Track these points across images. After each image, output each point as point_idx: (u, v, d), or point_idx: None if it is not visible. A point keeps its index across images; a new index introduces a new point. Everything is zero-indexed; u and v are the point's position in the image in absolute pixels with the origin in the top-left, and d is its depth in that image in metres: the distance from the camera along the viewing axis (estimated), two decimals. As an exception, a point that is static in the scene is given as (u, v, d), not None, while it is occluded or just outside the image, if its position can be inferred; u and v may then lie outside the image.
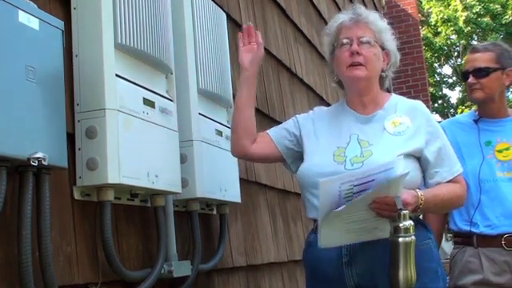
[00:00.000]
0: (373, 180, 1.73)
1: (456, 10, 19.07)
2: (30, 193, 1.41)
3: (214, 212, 2.42)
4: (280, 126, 2.16)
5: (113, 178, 1.65)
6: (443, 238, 5.63)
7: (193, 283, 2.10)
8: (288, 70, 3.74)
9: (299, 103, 3.83)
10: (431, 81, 19.70)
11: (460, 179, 2.02)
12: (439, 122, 2.22)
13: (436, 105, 20.34)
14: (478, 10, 18.85)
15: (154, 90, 1.92)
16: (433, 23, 19.49)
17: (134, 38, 1.79)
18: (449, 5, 19.30)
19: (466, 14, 18.82)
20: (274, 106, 3.36)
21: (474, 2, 18.90)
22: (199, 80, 2.21)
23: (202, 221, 2.26)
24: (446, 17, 19.02)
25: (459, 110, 19.24)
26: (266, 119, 3.19)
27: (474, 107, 2.81)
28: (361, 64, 1.97)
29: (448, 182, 1.98)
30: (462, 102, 19.86)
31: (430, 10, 19.72)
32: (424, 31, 18.88)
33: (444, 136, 2.03)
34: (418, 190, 1.85)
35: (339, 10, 5.27)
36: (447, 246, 4.72)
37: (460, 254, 2.65)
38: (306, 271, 2.08)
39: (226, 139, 2.37)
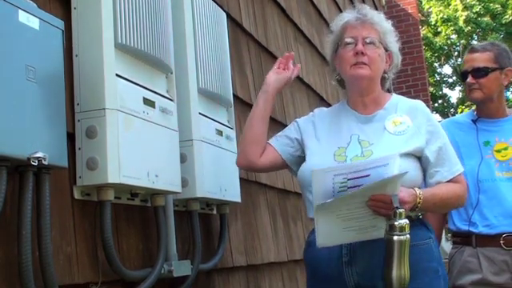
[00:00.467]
0: (368, 175, 1.73)
1: (456, 10, 19.07)
2: (30, 192, 1.41)
3: (214, 212, 2.42)
4: (281, 133, 2.15)
5: (113, 177, 1.65)
6: (443, 238, 5.64)
7: (193, 283, 2.10)
8: (288, 70, 3.73)
9: (299, 103, 3.83)
10: (431, 80, 19.71)
11: (460, 179, 2.01)
12: (439, 121, 2.22)
13: (436, 104, 20.35)
14: (478, 9, 18.85)
15: (154, 90, 1.92)
16: (433, 23, 19.49)
17: (134, 38, 1.79)
18: (449, 4, 19.30)
19: (466, 13, 18.82)
20: (275, 105, 3.36)
21: (474, 2, 18.90)
22: (199, 80, 2.21)
23: (202, 220, 2.26)
24: (445, 16, 19.02)
25: (459, 110, 19.24)
26: (266, 119, 3.19)
27: (474, 107, 2.81)
28: (365, 64, 1.98)
29: (448, 181, 1.98)
30: (462, 101, 19.85)
31: (429, 10, 19.72)
32: (424, 31, 18.88)
33: (445, 135, 2.03)
34: (416, 189, 1.85)
35: (339, 9, 5.27)
36: (447, 246, 4.73)
37: (459, 254, 2.65)
38: (306, 271, 2.08)
39: (227, 139, 2.37)
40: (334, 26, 2.11)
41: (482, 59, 2.66)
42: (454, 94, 28.50)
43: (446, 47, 20.07)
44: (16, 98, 1.37)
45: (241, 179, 2.53)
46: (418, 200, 1.83)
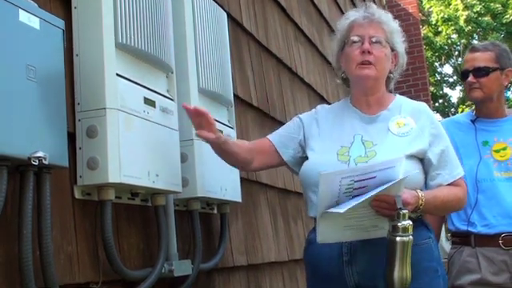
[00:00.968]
0: (374, 177, 1.73)
1: (456, 10, 19.07)
2: (31, 192, 1.41)
3: (215, 211, 2.42)
4: (283, 131, 2.13)
5: (113, 177, 1.65)
6: (444, 238, 5.64)
7: (193, 282, 2.10)
8: (289, 70, 3.74)
9: (300, 102, 3.83)
10: (432, 80, 19.69)
11: (461, 182, 2.02)
12: (439, 121, 2.22)
13: (437, 104, 20.34)
14: (478, 9, 18.85)
15: (155, 90, 1.92)
16: (433, 22, 19.49)
17: (135, 38, 1.79)
18: (449, 4, 19.29)
19: (466, 13, 18.81)
20: (275, 105, 3.36)
21: (474, 2, 18.89)
22: (200, 79, 2.20)
23: (202, 220, 2.26)
24: (446, 16, 19.01)
25: (460, 110, 19.23)
26: (267, 118, 3.20)
27: (474, 107, 2.81)
28: (371, 63, 1.97)
29: (449, 184, 1.98)
30: (462, 101, 19.85)
31: (430, 10, 19.71)
32: (424, 30, 18.87)
33: (447, 138, 2.03)
34: (418, 191, 1.85)
35: (340, 9, 5.27)
36: (447, 246, 4.72)
37: (458, 254, 2.66)
38: (306, 269, 2.08)
39: (227, 138, 2.37)
40: (340, 24, 2.10)
41: (483, 59, 2.66)
42: (455, 94, 28.51)
43: (446, 47, 20.06)
44: (16, 98, 1.37)
45: (241, 179, 2.53)
46: (421, 202, 1.83)
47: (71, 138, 1.65)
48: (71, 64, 1.70)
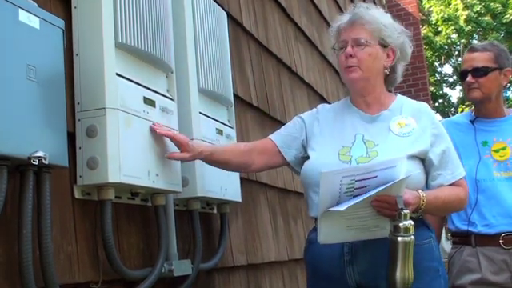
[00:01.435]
0: (375, 176, 1.73)
1: (456, 9, 19.07)
2: (31, 192, 1.41)
3: (215, 211, 2.42)
4: (285, 131, 2.13)
5: (113, 177, 1.65)
6: (444, 237, 5.64)
7: (193, 282, 2.10)
8: (288, 69, 3.74)
9: (300, 102, 3.83)
10: (432, 80, 19.70)
11: (462, 183, 2.01)
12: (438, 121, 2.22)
13: (436, 104, 20.34)
14: (478, 9, 18.85)
15: (155, 89, 1.92)
16: (433, 22, 19.49)
17: (135, 37, 1.79)
18: (449, 4, 19.29)
19: (466, 13, 18.81)
20: (275, 104, 3.36)
21: (474, 1, 18.90)
22: (200, 79, 2.20)
23: (202, 220, 2.26)
24: (446, 16, 19.01)
25: (459, 109, 19.23)
26: (267, 118, 3.20)
27: (473, 107, 2.81)
28: (354, 66, 1.97)
29: (450, 184, 1.98)
30: (462, 101, 19.85)
31: (430, 9, 19.72)
32: (424, 30, 18.87)
33: (448, 139, 2.03)
34: (420, 191, 1.85)
35: (340, 9, 5.27)
36: (447, 246, 4.72)
37: (458, 254, 2.66)
38: (306, 269, 2.07)
39: (227, 138, 2.37)
40: (331, 30, 2.12)
41: (481, 59, 2.66)
42: (455, 94, 28.47)
43: (446, 46, 20.06)
44: (16, 98, 1.37)
45: (241, 178, 2.53)
46: (422, 202, 1.83)
47: (71, 137, 1.65)
48: (71, 64, 1.70)
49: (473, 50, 2.74)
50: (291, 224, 3.39)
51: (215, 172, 2.18)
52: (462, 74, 2.72)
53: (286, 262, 3.24)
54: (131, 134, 1.74)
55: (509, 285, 2.55)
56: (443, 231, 3.74)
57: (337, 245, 1.89)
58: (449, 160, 1.98)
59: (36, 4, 1.48)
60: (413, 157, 1.91)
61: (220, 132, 2.33)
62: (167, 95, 2.00)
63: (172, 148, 1.94)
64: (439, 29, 19.53)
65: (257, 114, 3.10)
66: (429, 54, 19.37)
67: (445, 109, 20.60)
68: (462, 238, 2.67)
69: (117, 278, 1.75)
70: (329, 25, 2.14)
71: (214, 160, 2.03)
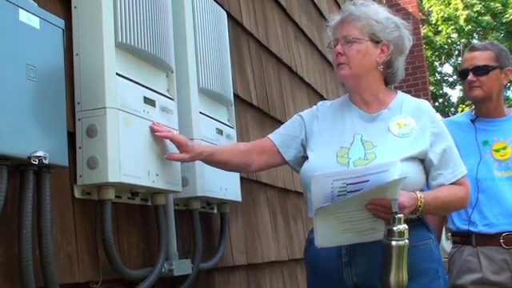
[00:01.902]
0: (367, 180, 1.72)
1: (456, 9, 19.07)
2: (31, 191, 1.41)
3: (215, 211, 2.42)
4: (284, 130, 2.12)
5: (113, 176, 1.65)
6: (444, 237, 5.63)
7: (193, 282, 2.10)
8: (288, 69, 3.74)
9: (300, 102, 3.83)
10: (432, 79, 19.70)
11: (463, 181, 1.99)
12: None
13: (437, 104, 20.34)
14: (478, 8, 18.85)
15: (155, 89, 1.92)
16: (433, 22, 19.49)
17: (135, 37, 1.79)
18: (449, 3, 19.29)
19: (466, 12, 18.81)
20: (275, 104, 3.36)
21: (474, 1, 18.89)
22: (200, 79, 2.20)
23: (202, 219, 2.26)
24: (446, 15, 19.01)
25: (460, 109, 19.23)
26: (267, 118, 3.20)
27: (473, 107, 2.81)
28: (344, 63, 1.97)
29: (451, 183, 1.95)
30: (462, 100, 19.85)
31: (430, 9, 19.71)
32: (424, 30, 18.87)
33: (449, 137, 2.00)
34: (417, 193, 1.84)
35: (340, 8, 5.27)
36: (447, 245, 4.72)
37: (458, 254, 2.65)
38: (306, 269, 2.07)
39: (227, 138, 2.37)
40: (328, 30, 2.11)
41: (483, 57, 2.66)
42: (455, 93, 28.51)
43: (446, 46, 20.06)
44: (16, 97, 1.37)
45: (241, 178, 2.53)
46: (419, 203, 1.82)
47: (71, 137, 1.65)
48: (71, 63, 1.70)
49: (474, 49, 2.73)
50: (291, 224, 3.39)
51: (215, 172, 2.18)
52: (462, 73, 2.72)
53: (286, 262, 3.24)
54: (131, 134, 1.74)
55: (509, 284, 2.55)
56: (443, 231, 3.74)
57: (335, 246, 1.89)
58: (450, 159, 1.96)
59: (36, 4, 1.48)
60: (411, 158, 1.89)
61: (220, 132, 2.33)
62: (167, 95, 2.00)
63: (172, 148, 1.94)
64: (439, 28, 19.53)
65: (257, 114, 3.10)
66: (429, 53, 19.37)
67: (445, 108, 20.60)
68: (462, 238, 2.66)
69: (117, 278, 1.75)
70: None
71: (214, 161, 2.03)
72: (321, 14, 4.72)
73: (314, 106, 2.15)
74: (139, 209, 1.94)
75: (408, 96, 2.08)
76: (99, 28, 1.70)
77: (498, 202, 2.59)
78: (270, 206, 3.12)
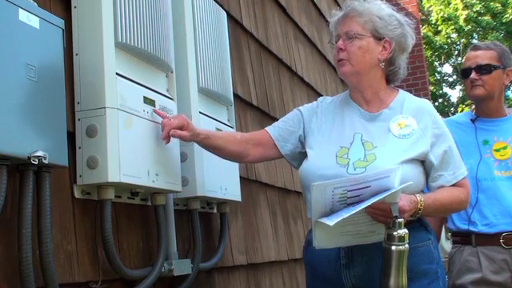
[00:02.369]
0: (368, 186, 1.70)
1: (456, 9, 19.07)
2: (31, 191, 1.41)
3: (215, 210, 2.42)
4: (283, 124, 2.09)
5: (113, 176, 1.65)
6: (444, 237, 5.63)
7: (193, 282, 2.10)
8: (288, 69, 3.74)
9: (299, 102, 3.83)
10: (431, 79, 19.71)
11: (464, 183, 1.96)
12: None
13: (436, 103, 20.34)
14: (478, 8, 18.86)
15: (155, 89, 1.92)
16: (433, 22, 19.50)
17: (135, 37, 1.79)
18: (449, 3, 19.30)
19: (466, 12, 18.82)
20: (275, 104, 3.36)
21: (474, 1, 18.91)
22: (200, 78, 2.21)
23: (202, 219, 2.26)
24: (446, 15, 19.02)
25: (459, 109, 19.24)
26: (266, 118, 3.20)
27: (473, 107, 2.81)
28: (344, 60, 1.94)
29: (451, 185, 1.93)
30: (462, 100, 19.86)
31: (430, 9, 19.72)
32: (424, 30, 18.89)
33: (450, 137, 1.98)
34: (418, 196, 1.81)
35: (340, 8, 5.27)
36: (447, 245, 4.72)
37: (458, 253, 2.65)
38: (305, 269, 2.07)
39: (227, 138, 2.37)
40: (330, 26, 2.09)
41: (486, 57, 2.66)
42: (455, 93, 28.57)
43: (446, 46, 20.07)
44: (16, 97, 1.37)
45: (241, 178, 2.53)
46: (419, 206, 1.80)
47: (71, 137, 1.65)
48: (71, 63, 1.70)
49: (476, 48, 2.73)
50: (291, 224, 3.39)
51: (215, 171, 2.18)
52: (464, 72, 2.71)
53: (286, 262, 3.24)
54: (131, 134, 1.74)
55: (509, 284, 2.55)
56: (443, 231, 3.74)
57: (333, 248, 1.88)
58: (450, 160, 1.93)
59: (36, 3, 1.48)
60: (412, 160, 1.87)
61: (220, 131, 2.33)
62: (167, 95, 2.00)
63: (172, 147, 1.94)
64: (439, 28, 19.54)
65: (256, 114, 3.10)
66: (429, 53, 19.38)
67: (444, 108, 20.60)
68: (462, 238, 2.66)
69: (116, 278, 1.75)
70: (329, 24, 2.12)
71: (210, 144, 2.00)
72: (320, 13, 4.73)
73: (315, 102, 2.12)
74: (139, 209, 1.94)
75: (409, 95, 2.06)
76: (99, 28, 1.70)
77: (498, 201, 2.59)
78: (269, 206, 3.12)
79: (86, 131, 1.67)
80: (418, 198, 1.81)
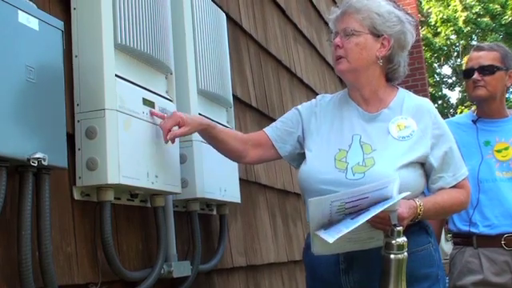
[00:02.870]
0: (366, 197, 1.68)
1: (456, 10, 19.09)
2: (30, 193, 1.41)
3: (214, 212, 2.42)
4: (281, 125, 2.07)
5: (112, 178, 1.65)
6: (443, 238, 5.63)
7: (192, 283, 2.10)
8: (288, 70, 3.74)
9: (299, 103, 3.80)
10: (431, 81, 19.71)
11: (464, 184, 1.94)
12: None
13: (436, 105, 20.35)
14: (477, 10, 18.87)
15: (154, 91, 1.92)
16: (432, 23, 19.52)
17: (134, 39, 1.79)
18: (448, 5, 19.32)
19: (465, 14, 18.84)
20: (274, 106, 3.36)
21: (473, 2, 18.93)
22: (199, 80, 2.21)
23: (201, 221, 2.26)
24: (445, 17, 19.04)
25: (459, 111, 19.25)
26: (266, 119, 3.19)
27: (474, 107, 2.81)
28: (342, 57, 1.92)
29: (452, 187, 1.91)
30: (461, 102, 19.87)
31: (429, 10, 19.74)
32: (424, 31, 18.90)
33: (451, 138, 1.95)
34: (417, 200, 1.79)
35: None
36: (447, 247, 4.72)
37: (459, 255, 2.65)
38: (306, 270, 2.07)
39: (226, 139, 2.37)
40: (330, 24, 2.08)
41: (489, 57, 2.65)
42: (454, 95, 28.56)
43: (445, 48, 20.08)
44: (15, 99, 1.37)
45: (240, 180, 2.53)
46: (419, 211, 1.78)
47: (70, 138, 1.65)
48: (70, 65, 1.70)
49: (479, 48, 2.73)
50: (290, 225, 3.39)
51: (214, 173, 2.18)
52: (467, 72, 2.70)
53: (286, 264, 3.24)
54: (130, 136, 1.74)
55: (510, 286, 2.55)
56: (442, 232, 3.74)
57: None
58: (451, 161, 1.91)
59: (35, 5, 1.48)
60: (411, 163, 1.85)
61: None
62: (166, 96, 2.00)
63: (171, 149, 1.94)
64: (438, 30, 19.56)
65: (256, 115, 3.10)
66: (428, 55, 19.39)
67: (444, 110, 20.60)
68: (463, 239, 2.66)
69: (116, 279, 1.75)
70: (328, 25, 2.11)
71: (214, 135, 1.98)
72: (320, 15, 4.73)
73: (313, 100, 2.10)
74: (138, 210, 1.94)
75: (409, 93, 2.03)
76: (98, 29, 1.71)
77: (500, 202, 2.59)
78: (269, 208, 3.12)
79: (85, 133, 1.67)
80: (418, 203, 1.79)
